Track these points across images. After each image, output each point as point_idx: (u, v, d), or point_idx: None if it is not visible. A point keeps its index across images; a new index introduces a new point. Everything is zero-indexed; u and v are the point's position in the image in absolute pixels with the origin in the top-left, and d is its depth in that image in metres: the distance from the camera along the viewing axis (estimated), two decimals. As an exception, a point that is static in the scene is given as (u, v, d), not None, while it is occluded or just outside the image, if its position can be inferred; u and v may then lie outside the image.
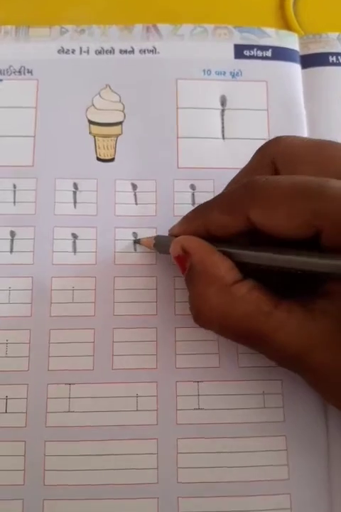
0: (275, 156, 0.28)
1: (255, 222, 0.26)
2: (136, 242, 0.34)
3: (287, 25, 0.39)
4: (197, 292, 0.28)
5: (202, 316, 0.28)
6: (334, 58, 0.37)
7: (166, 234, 0.32)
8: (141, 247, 0.34)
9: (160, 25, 0.37)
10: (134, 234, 0.34)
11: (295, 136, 0.29)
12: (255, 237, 0.27)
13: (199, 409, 0.32)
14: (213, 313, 0.27)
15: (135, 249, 0.34)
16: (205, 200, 0.33)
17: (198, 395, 0.32)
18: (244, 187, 0.27)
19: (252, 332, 0.26)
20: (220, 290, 0.27)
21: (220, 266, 0.27)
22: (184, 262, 0.29)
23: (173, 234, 0.30)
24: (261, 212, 0.26)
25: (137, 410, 0.31)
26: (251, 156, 0.30)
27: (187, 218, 0.30)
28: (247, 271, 0.27)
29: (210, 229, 0.28)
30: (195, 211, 0.30)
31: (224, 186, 0.33)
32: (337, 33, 0.38)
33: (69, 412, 0.31)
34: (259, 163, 0.29)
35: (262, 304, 0.26)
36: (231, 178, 0.33)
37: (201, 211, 0.29)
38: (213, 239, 0.28)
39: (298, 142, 0.29)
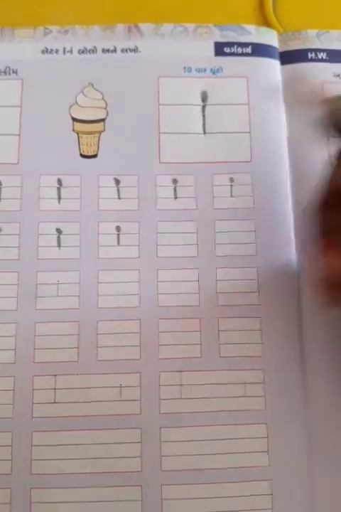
0: None
1: None
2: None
3: (266, 23, 0.39)
4: None
5: None
6: (312, 54, 0.37)
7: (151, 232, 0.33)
8: (125, 239, 0.33)
9: (141, 25, 0.38)
10: (117, 228, 0.34)
11: None
12: None
13: (181, 398, 0.32)
14: None
15: (118, 243, 0.33)
16: (188, 195, 0.34)
17: (181, 385, 0.32)
18: None
19: None
20: None
21: None
22: None
23: None
24: None
25: (121, 400, 0.32)
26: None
27: None
28: None
29: None
30: None
31: (206, 180, 0.35)
32: (316, 30, 0.38)
33: (54, 403, 0.32)
34: None
35: None
36: (213, 171, 0.34)
37: None
38: None
39: None
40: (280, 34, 0.38)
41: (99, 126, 0.36)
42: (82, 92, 0.36)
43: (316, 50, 0.37)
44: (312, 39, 0.38)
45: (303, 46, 0.38)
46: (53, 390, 0.32)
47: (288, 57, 0.38)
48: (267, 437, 0.31)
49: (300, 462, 0.31)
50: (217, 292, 0.33)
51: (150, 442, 0.31)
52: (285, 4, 0.40)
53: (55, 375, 0.32)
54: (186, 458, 0.31)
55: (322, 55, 0.37)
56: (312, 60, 0.37)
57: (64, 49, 0.37)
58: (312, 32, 0.38)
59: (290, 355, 0.32)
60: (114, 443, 0.31)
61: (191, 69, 0.37)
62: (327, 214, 0.25)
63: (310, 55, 0.37)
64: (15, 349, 0.32)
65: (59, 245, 0.34)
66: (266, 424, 0.31)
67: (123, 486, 0.30)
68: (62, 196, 0.35)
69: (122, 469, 0.31)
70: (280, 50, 0.38)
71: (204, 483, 0.31)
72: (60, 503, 0.30)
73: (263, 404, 0.32)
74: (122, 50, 0.37)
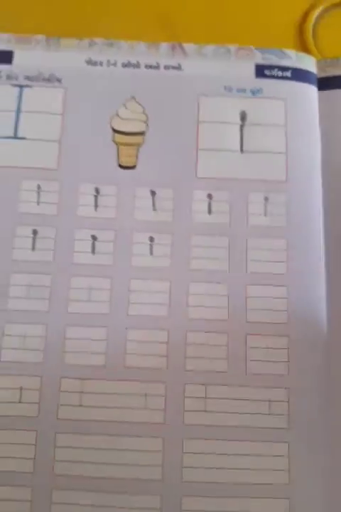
0: None
1: None
2: None
3: (305, 50, 0.41)
4: None
5: None
6: (350, 81, 0.38)
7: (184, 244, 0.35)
8: (158, 250, 0.35)
9: (185, 45, 0.39)
10: (151, 238, 0.35)
11: None
12: None
13: (205, 411, 0.32)
14: None
15: (151, 253, 0.34)
16: (223, 210, 0.36)
17: (205, 398, 0.33)
18: None
19: None
20: None
21: None
22: None
23: None
24: None
25: (145, 408, 0.32)
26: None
27: None
28: None
29: None
30: None
31: (241, 197, 0.36)
32: (354, 57, 0.39)
33: (80, 406, 0.32)
34: None
35: None
36: (248, 189, 0.36)
37: None
38: None
39: None
40: (318, 61, 0.40)
41: (138, 139, 0.37)
42: (124, 104, 0.38)
43: (353, 77, 0.39)
44: (351, 66, 0.39)
45: (341, 73, 0.39)
46: (80, 393, 0.33)
47: (325, 83, 0.39)
48: (288, 456, 0.32)
49: (319, 482, 0.31)
50: (246, 308, 0.34)
51: (172, 452, 0.32)
52: (325, 32, 0.42)
53: (82, 379, 0.33)
54: (207, 470, 0.32)
55: (359, 82, 0.39)
56: (349, 86, 0.39)
57: (108, 61, 0.39)
58: (350, 59, 0.39)
59: (317, 376, 0.33)
60: (136, 450, 0.32)
61: (232, 88, 0.38)
62: None
63: (347, 82, 0.39)
64: (44, 350, 0.33)
65: (93, 251, 0.35)
66: (288, 443, 0.32)
67: (144, 495, 0.31)
68: (98, 204, 0.36)
69: (143, 477, 0.31)
70: (318, 76, 0.39)
71: (224, 496, 0.31)
72: (81, 505, 0.31)
73: (286, 422, 0.32)
74: (165, 67, 0.39)
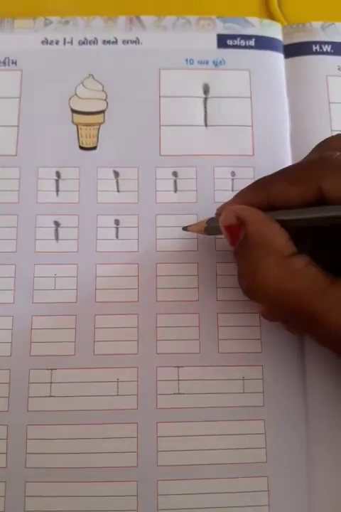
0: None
1: (326, 192, 0.27)
2: (184, 229, 0.34)
3: (271, 16, 0.41)
4: (251, 264, 0.28)
5: (255, 288, 0.28)
6: (317, 47, 0.39)
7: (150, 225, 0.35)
8: (123, 233, 0.35)
9: (143, 17, 0.39)
10: (116, 221, 0.35)
11: None
12: None
13: (179, 393, 0.33)
14: (268, 286, 0.28)
15: (117, 236, 0.35)
16: (189, 188, 0.36)
17: (178, 380, 0.33)
18: (318, 160, 0.29)
19: (305, 309, 0.27)
20: (277, 262, 0.27)
21: (278, 237, 0.28)
22: (236, 233, 0.29)
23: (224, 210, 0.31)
24: (334, 182, 0.27)
25: (118, 395, 0.33)
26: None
27: (246, 192, 0.31)
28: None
29: (274, 201, 0.29)
30: (254, 186, 0.31)
31: (207, 173, 0.36)
32: (321, 22, 0.39)
33: (50, 396, 0.33)
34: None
35: (319, 281, 0.27)
36: (214, 164, 0.36)
37: (263, 185, 0.30)
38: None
39: None
40: (284, 27, 0.40)
41: (98, 118, 0.37)
42: (82, 83, 0.38)
43: (321, 43, 0.39)
44: (317, 31, 0.39)
45: (308, 39, 0.39)
46: (49, 384, 0.33)
47: (292, 50, 0.39)
48: (265, 434, 0.32)
49: (297, 459, 0.32)
50: (216, 287, 0.34)
51: (147, 437, 0.32)
52: (291, -3, 0.42)
53: (52, 369, 0.33)
54: (182, 453, 0.32)
55: (326, 48, 0.39)
56: (316, 52, 0.39)
57: (64, 40, 0.39)
58: (316, 24, 0.39)
59: (290, 352, 0.34)
60: (110, 438, 0.32)
61: (193, 61, 0.38)
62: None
63: (314, 48, 0.39)
64: (11, 342, 0.34)
65: (57, 238, 0.35)
66: (263, 420, 0.33)
67: (119, 482, 0.32)
68: (60, 189, 0.36)
69: (118, 464, 0.32)
70: (284, 43, 0.39)
71: (201, 478, 0.32)
72: (54, 497, 0.32)
73: (261, 400, 0.33)
74: (123, 42, 0.39)
